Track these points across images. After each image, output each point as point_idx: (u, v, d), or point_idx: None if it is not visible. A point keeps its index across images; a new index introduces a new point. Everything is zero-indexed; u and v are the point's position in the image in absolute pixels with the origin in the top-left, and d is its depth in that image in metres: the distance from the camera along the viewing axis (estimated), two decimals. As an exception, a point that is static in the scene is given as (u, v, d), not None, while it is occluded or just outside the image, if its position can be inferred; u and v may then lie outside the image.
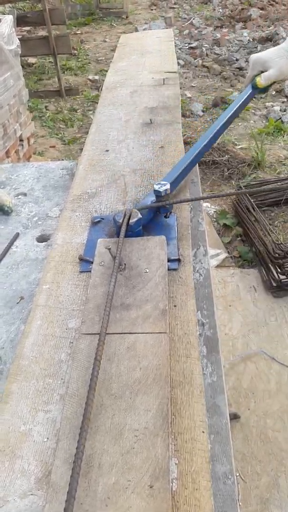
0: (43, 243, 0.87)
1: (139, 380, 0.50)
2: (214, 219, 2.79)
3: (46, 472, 0.47)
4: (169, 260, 0.71)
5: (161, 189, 0.78)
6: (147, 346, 0.54)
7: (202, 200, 1.12)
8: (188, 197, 0.91)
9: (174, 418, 0.49)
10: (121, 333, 0.56)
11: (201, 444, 0.47)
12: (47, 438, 0.49)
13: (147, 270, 0.66)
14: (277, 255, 2.25)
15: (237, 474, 1.37)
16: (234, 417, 1.73)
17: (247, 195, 2.62)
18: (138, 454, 0.44)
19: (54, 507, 0.42)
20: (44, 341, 0.60)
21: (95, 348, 0.54)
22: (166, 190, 0.79)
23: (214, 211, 2.85)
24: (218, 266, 2.47)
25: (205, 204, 2.97)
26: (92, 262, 0.70)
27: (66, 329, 0.61)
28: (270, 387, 1.85)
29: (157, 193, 0.79)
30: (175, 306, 0.64)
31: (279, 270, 2.22)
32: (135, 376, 0.51)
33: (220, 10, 6.62)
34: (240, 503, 1.55)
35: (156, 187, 0.79)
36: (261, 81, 1.11)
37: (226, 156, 3.13)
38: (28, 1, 6.04)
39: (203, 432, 0.48)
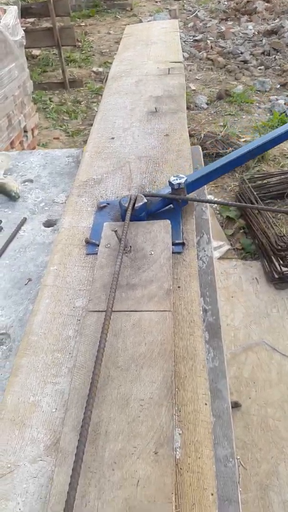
0: (50, 228, 0.89)
1: (144, 354, 0.52)
2: (217, 211, 2.80)
3: (55, 440, 0.49)
4: (173, 244, 0.73)
5: (175, 182, 0.78)
6: (152, 323, 0.56)
7: (205, 189, 1.14)
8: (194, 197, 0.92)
9: (178, 391, 0.51)
10: (127, 311, 0.58)
11: (204, 415, 0.49)
12: (56, 409, 0.51)
13: (152, 252, 0.67)
14: (279, 247, 2.27)
15: (238, 457, 1.39)
16: (235, 405, 1.75)
17: (250, 187, 2.62)
18: (143, 422, 0.46)
19: (63, 470, 0.44)
20: (52, 318, 0.62)
21: (101, 324, 0.56)
22: (179, 183, 0.78)
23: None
24: (220, 258, 2.49)
25: (208, 197, 2.98)
26: (98, 245, 0.72)
27: (74, 308, 0.63)
28: (271, 377, 1.87)
29: (171, 185, 0.79)
30: (179, 287, 0.66)
31: (281, 262, 2.24)
32: (141, 350, 0.52)
33: (225, 3, 6.58)
34: (240, 489, 1.57)
35: (172, 179, 0.79)
36: None
37: (230, 148, 3.13)
38: (32, -8, 6.02)
39: (205, 404, 0.50)
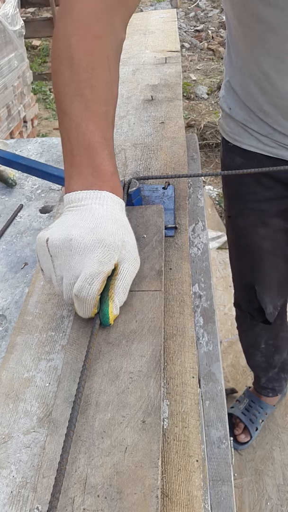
0: (46, 214, 0.91)
1: (134, 330, 0.54)
2: (216, 202, 2.81)
3: (48, 413, 0.51)
4: (166, 228, 0.75)
5: None
6: (142, 302, 0.58)
7: (202, 179, 1.15)
8: (186, 171, 0.94)
9: (167, 365, 0.53)
10: (119, 291, 0.60)
11: (191, 388, 0.51)
12: (49, 383, 0.53)
13: (145, 236, 0.69)
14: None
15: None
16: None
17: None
18: (132, 393, 0.48)
19: (54, 439, 0.46)
20: (47, 299, 0.63)
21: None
22: None
23: (217, 194, 2.87)
24: (219, 248, 2.50)
25: (207, 187, 2.99)
26: (92, 229, 0.73)
27: (67, 289, 0.65)
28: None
29: None
30: (170, 269, 0.68)
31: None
32: (131, 327, 0.54)
33: (227, -8, 6.52)
34: (235, 474, 1.61)
35: None
36: None
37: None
38: (32, -18, 5.97)
39: (193, 377, 0.52)
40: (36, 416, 0.51)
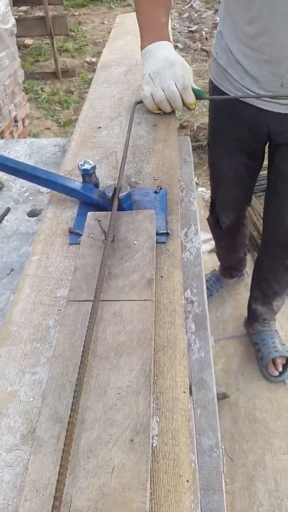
0: (34, 218, 0.88)
1: (124, 343, 0.52)
2: (209, 204, 2.79)
3: (32, 429, 0.49)
4: (157, 234, 0.73)
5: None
6: (132, 312, 0.55)
7: (194, 182, 1.13)
8: (179, 175, 0.92)
9: (157, 379, 0.51)
10: (108, 300, 0.58)
11: (182, 403, 0.49)
12: (33, 398, 0.51)
13: (135, 242, 0.67)
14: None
15: (223, 447, 1.41)
16: (223, 396, 1.77)
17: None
18: (120, 410, 0.45)
19: (38, 459, 0.44)
20: (33, 308, 0.61)
21: (82, 314, 0.56)
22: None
23: (210, 196, 2.85)
24: (211, 251, 2.49)
25: (200, 189, 2.97)
26: (81, 235, 0.71)
27: (55, 298, 0.63)
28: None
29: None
30: (161, 277, 0.66)
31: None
32: (120, 339, 0.52)
33: (220, -6, 6.52)
34: (227, 480, 1.59)
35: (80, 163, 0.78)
36: None
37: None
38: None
39: (184, 392, 0.50)
40: (20, 432, 0.49)
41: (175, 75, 0.93)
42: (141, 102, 1.04)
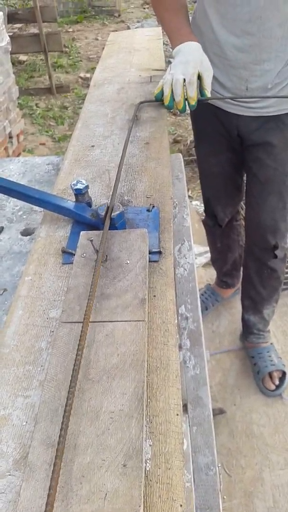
0: (27, 237, 0.89)
1: (116, 365, 0.52)
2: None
3: (24, 454, 0.48)
4: (150, 252, 0.73)
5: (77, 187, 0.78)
6: (125, 333, 0.55)
7: (187, 198, 1.14)
8: (171, 193, 0.92)
9: (150, 401, 0.51)
10: (101, 322, 0.58)
11: (175, 426, 0.49)
12: (26, 422, 0.51)
13: (128, 262, 0.67)
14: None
15: (219, 465, 1.39)
16: (220, 412, 1.76)
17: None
18: (113, 435, 0.45)
19: (30, 485, 0.43)
20: (25, 330, 0.61)
21: (74, 336, 0.56)
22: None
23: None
24: (206, 265, 2.49)
25: (194, 202, 2.99)
26: (74, 254, 0.71)
27: (47, 319, 0.63)
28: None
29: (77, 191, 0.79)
30: (154, 296, 0.66)
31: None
32: (113, 361, 0.52)
33: (212, 11, 6.64)
34: (224, 496, 1.57)
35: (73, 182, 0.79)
36: None
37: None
38: (19, -2, 6.02)
39: (177, 414, 0.50)
40: (12, 457, 0.48)
41: (187, 70, 1.04)
42: (144, 102, 1.16)
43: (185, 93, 1.06)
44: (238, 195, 1.73)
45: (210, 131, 1.46)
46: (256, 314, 1.83)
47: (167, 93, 1.07)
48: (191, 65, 1.05)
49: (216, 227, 1.78)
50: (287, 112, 1.26)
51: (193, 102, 1.06)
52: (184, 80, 1.04)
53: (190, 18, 1.28)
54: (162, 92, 1.10)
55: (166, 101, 1.08)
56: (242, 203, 1.84)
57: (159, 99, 1.12)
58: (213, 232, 1.85)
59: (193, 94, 1.05)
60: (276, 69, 1.17)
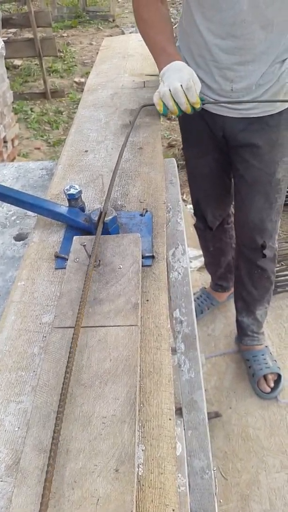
0: (21, 242, 0.89)
1: (109, 370, 0.52)
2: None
3: (16, 459, 0.48)
4: (143, 257, 0.73)
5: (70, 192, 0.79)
6: (118, 338, 0.56)
7: (181, 202, 1.15)
8: (164, 197, 0.93)
9: (142, 406, 0.51)
10: (93, 326, 0.58)
11: (168, 431, 0.49)
12: (18, 428, 0.51)
13: (121, 266, 0.68)
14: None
15: (215, 469, 1.39)
16: (216, 415, 1.75)
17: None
18: (105, 440, 0.45)
19: (22, 491, 0.43)
20: (18, 335, 0.61)
21: (66, 341, 0.56)
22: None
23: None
24: (201, 268, 2.50)
25: (189, 206, 3.00)
26: (67, 259, 0.71)
27: (40, 324, 0.63)
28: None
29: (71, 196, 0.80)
30: (147, 300, 0.66)
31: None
32: (105, 366, 0.52)
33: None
34: (221, 500, 1.57)
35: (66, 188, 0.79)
36: None
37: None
38: (14, 3, 6.04)
39: (169, 419, 0.50)
40: (5, 463, 0.48)
41: (181, 77, 1.05)
42: (147, 105, 1.17)
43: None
44: (227, 197, 1.73)
45: (197, 133, 1.47)
46: (249, 316, 1.84)
47: (171, 105, 1.07)
48: (185, 72, 1.06)
49: (207, 231, 1.79)
50: (271, 114, 1.28)
51: (198, 105, 1.08)
52: (181, 86, 1.05)
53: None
54: (165, 106, 1.09)
55: (175, 113, 1.08)
56: (233, 206, 1.85)
57: (165, 114, 1.11)
58: (205, 235, 1.86)
59: (195, 99, 1.06)
60: (260, 70, 1.20)
